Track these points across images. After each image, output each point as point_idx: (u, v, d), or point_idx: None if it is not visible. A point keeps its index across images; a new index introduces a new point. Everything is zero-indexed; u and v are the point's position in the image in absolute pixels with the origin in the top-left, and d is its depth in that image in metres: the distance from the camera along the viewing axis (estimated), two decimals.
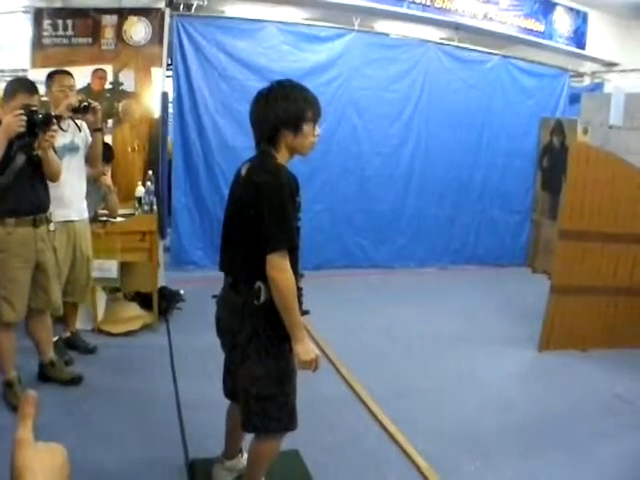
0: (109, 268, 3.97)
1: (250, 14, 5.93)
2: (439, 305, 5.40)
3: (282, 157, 1.93)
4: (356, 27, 6.03)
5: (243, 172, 1.95)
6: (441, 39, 6.92)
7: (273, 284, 1.79)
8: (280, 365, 1.92)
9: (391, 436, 3.03)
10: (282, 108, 1.86)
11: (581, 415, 3.61)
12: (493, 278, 6.49)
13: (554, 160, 6.57)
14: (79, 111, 3.23)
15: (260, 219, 1.80)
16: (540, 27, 6.89)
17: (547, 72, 7.04)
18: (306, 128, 1.91)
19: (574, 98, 6.74)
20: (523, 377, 4.25)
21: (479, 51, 6.64)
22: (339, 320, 4.64)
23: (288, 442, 2.28)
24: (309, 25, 6.08)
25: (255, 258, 1.81)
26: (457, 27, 6.47)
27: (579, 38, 7.20)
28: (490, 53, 6.70)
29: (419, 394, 3.61)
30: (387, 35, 6.47)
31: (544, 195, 6.79)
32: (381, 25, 7.15)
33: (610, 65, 7.49)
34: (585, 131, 5.70)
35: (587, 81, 7.66)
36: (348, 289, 5.67)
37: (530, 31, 6.82)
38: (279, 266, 1.78)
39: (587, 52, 7.32)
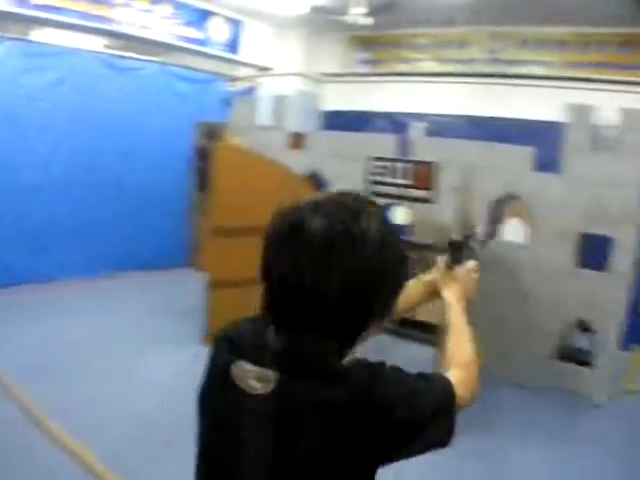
0: None
1: None
2: (105, 313, 5.33)
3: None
4: (10, 35, 5.67)
5: (258, 389, 0.91)
6: (105, 46, 6.87)
7: None
8: None
9: (66, 446, 3.01)
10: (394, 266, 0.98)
11: None
12: (157, 281, 6.59)
13: (207, 162, 6.71)
14: None
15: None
16: (199, 35, 7.11)
17: (203, 78, 7.32)
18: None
19: (229, 102, 7.07)
20: (191, 370, 4.23)
21: (136, 59, 6.64)
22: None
23: None
24: None
25: None
26: (114, 35, 6.42)
27: (234, 45, 7.62)
28: (148, 60, 6.74)
29: (95, 401, 3.59)
30: (41, 43, 6.11)
31: (199, 196, 6.94)
32: (38, 33, 6.71)
33: (264, 69, 8.04)
34: (236, 132, 5.94)
35: (242, 85, 8.08)
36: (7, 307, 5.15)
37: (188, 39, 6.99)
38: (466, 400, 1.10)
39: (242, 58, 7.78)
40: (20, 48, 5.68)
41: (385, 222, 0.97)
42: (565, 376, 4.48)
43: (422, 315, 5.14)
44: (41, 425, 3.22)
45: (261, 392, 0.89)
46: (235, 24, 7.55)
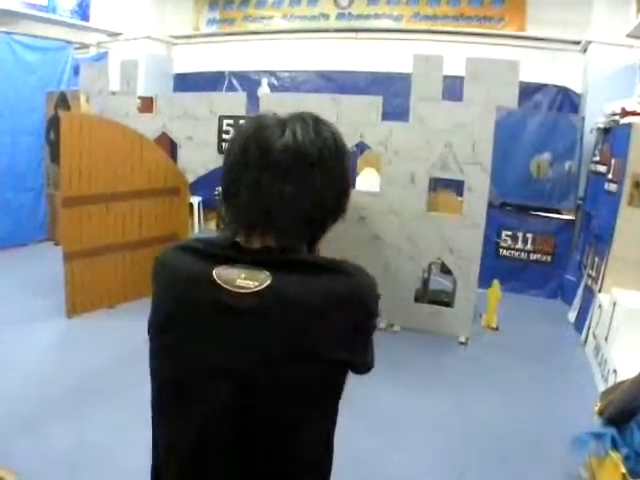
0: None
1: None
2: None
3: None
4: None
5: (246, 284, 0.96)
6: None
7: None
8: None
9: None
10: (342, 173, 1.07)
11: (122, 365, 3.88)
12: (16, 258, 6.42)
13: (59, 132, 6.55)
14: None
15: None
16: (43, 1, 6.86)
17: (51, 46, 7.03)
18: None
19: (79, 69, 6.81)
20: (57, 345, 4.34)
21: None
22: None
23: None
24: None
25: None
26: None
27: (84, 11, 7.43)
28: None
29: None
30: None
31: (54, 168, 6.78)
32: None
33: (115, 35, 7.89)
34: (87, 100, 5.84)
35: (93, 52, 7.86)
36: None
37: (33, 6, 6.74)
38: None
39: (92, 24, 7.59)
40: None
41: (341, 136, 1.07)
42: (429, 318, 4.77)
43: None
44: None
45: (255, 289, 0.93)
46: None
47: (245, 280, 0.94)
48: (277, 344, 0.93)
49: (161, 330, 1.03)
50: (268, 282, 0.94)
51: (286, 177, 0.96)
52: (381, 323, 4.75)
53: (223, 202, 1.03)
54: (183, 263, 1.01)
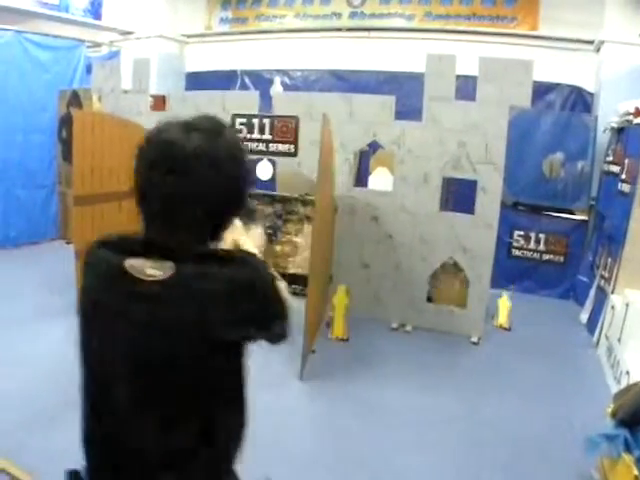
0: None
1: None
2: None
3: None
4: None
5: (153, 273, 1.10)
6: None
7: None
8: None
9: None
10: (239, 174, 1.21)
11: None
12: (29, 256, 6.43)
13: (72, 130, 6.59)
14: None
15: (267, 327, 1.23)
16: (55, 0, 6.86)
17: (63, 44, 7.06)
18: None
19: (91, 68, 6.83)
20: (71, 342, 4.20)
21: None
22: None
23: None
24: None
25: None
26: None
27: (96, 9, 7.45)
28: (2, 29, 6.40)
29: None
30: None
31: (66, 166, 6.81)
32: None
33: (127, 34, 7.91)
34: (100, 98, 5.86)
35: (105, 50, 7.90)
36: None
37: (45, 4, 6.76)
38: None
39: (104, 23, 7.61)
40: None
41: (238, 139, 1.24)
42: (441, 317, 4.76)
43: (296, 268, 5.42)
44: None
45: (161, 278, 1.08)
46: None
47: (152, 269, 1.08)
48: (177, 325, 1.07)
49: (85, 312, 1.19)
50: (172, 272, 1.08)
51: (187, 178, 1.09)
52: (393, 323, 4.76)
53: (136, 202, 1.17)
54: (103, 256, 1.15)
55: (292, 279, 5.40)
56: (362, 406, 3.50)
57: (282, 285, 1.27)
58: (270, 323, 1.20)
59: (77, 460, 2.82)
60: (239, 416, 1.25)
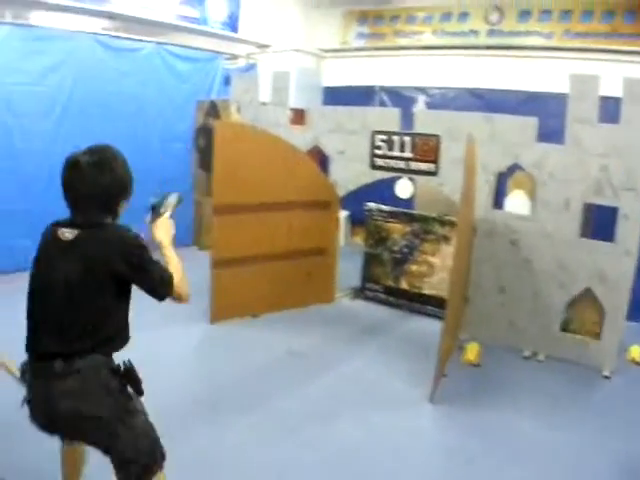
0: None
1: None
2: None
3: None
4: (8, 19, 5.68)
5: (68, 237, 1.91)
6: (103, 28, 6.73)
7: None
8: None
9: None
10: (119, 176, 2.00)
11: (259, 374, 3.96)
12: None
13: (209, 140, 6.73)
14: None
15: (139, 276, 1.96)
16: (195, 13, 7.05)
17: (202, 56, 7.25)
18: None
19: (229, 79, 6.98)
20: (197, 349, 4.43)
21: (132, 39, 6.57)
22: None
23: None
24: None
25: (103, 327, 1.95)
26: (111, 16, 6.35)
27: (233, 22, 7.58)
28: (144, 40, 6.66)
29: None
30: (40, 27, 5.93)
31: (202, 175, 6.97)
32: (37, 16, 6.64)
33: (263, 47, 8.00)
34: (238, 110, 5.93)
35: (242, 63, 8.06)
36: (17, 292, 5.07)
37: (186, 17, 6.95)
38: (182, 291, 2.10)
39: (241, 35, 7.73)
40: (18, 32, 5.56)
41: (120, 155, 2.04)
42: (574, 348, 4.48)
43: (431, 289, 5.23)
44: None
45: (71, 237, 1.89)
46: (233, 1, 7.51)
47: (67, 233, 1.90)
48: (83, 260, 1.86)
49: (37, 255, 1.98)
50: (78, 232, 1.89)
51: (86, 179, 1.92)
52: (525, 351, 4.55)
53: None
54: (50, 227, 1.98)
55: (426, 300, 5.23)
56: (490, 435, 3.35)
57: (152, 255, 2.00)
58: (144, 269, 1.95)
59: (199, 464, 2.75)
60: (120, 321, 2.03)
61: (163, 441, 2.42)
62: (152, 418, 3.00)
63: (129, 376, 2.00)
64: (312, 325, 4.84)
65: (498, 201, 5.38)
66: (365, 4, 7.39)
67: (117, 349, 1.99)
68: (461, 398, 3.76)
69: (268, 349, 4.29)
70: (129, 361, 2.01)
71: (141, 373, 3.59)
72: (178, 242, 6.67)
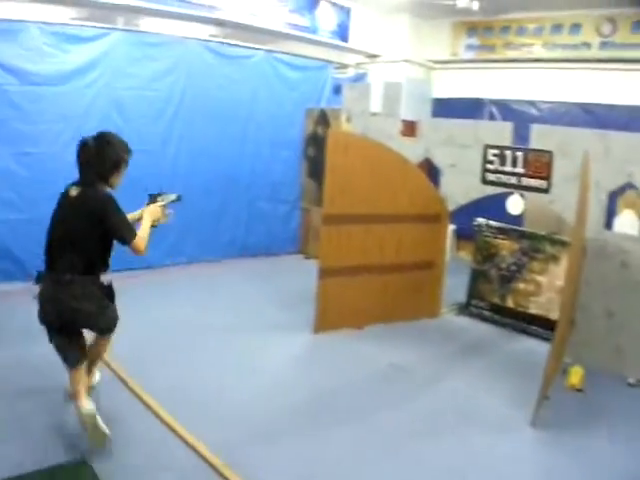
0: None
1: (10, 14, 5.35)
2: (216, 299, 5.48)
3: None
4: (120, 26, 5.90)
5: (74, 193, 2.87)
6: (211, 35, 6.98)
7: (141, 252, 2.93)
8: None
9: (180, 436, 3.05)
10: (110, 155, 2.92)
11: (361, 387, 3.90)
12: (267, 268, 6.73)
13: (319, 149, 6.85)
14: None
15: (109, 224, 2.84)
16: (305, 22, 7.18)
17: (311, 65, 7.40)
18: (123, 170, 3.03)
19: (339, 89, 7.09)
20: (300, 359, 4.41)
21: (243, 46, 6.76)
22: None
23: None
24: (71, 25, 5.67)
25: (92, 257, 2.90)
26: (221, 23, 6.54)
27: (343, 32, 7.67)
28: (254, 48, 6.84)
29: (202, 386, 3.68)
30: (150, 33, 6.23)
31: (311, 183, 7.10)
32: (146, 23, 6.94)
33: (372, 57, 8.08)
34: (348, 119, 5.98)
35: (351, 72, 8.16)
36: (125, 291, 5.38)
37: (295, 26, 7.08)
38: (139, 245, 2.90)
39: (350, 45, 7.83)
40: (128, 38, 5.81)
41: (116, 140, 2.96)
42: None
43: (537, 309, 5.07)
44: (154, 412, 3.29)
45: (76, 194, 2.84)
46: (343, 11, 7.61)
47: (74, 191, 2.86)
48: (84, 211, 2.80)
49: (56, 207, 2.91)
50: (80, 190, 2.85)
51: (87, 153, 2.87)
52: (630, 378, 4.33)
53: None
54: (66, 187, 2.92)
55: (531, 320, 5.08)
56: (594, 465, 3.17)
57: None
58: (114, 217, 2.83)
59: (296, 476, 2.80)
60: (102, 254, 2.91)
61: (263, 449, 2.84)
62: (250, 425, 3.23)
63: (108, 289, 2.97)
64: (416, 340, 4.80)
65: (608, 221, 5.15)
66: (475, 15, 7.27)
67: (100, 272, 2.90)
68: (565, 423, 3.62)
69: (370, 362, 4.27)
70: (109, 281, 2.97)
71: (242, 378, 3.82)
72: (281, 249, 6.84)
